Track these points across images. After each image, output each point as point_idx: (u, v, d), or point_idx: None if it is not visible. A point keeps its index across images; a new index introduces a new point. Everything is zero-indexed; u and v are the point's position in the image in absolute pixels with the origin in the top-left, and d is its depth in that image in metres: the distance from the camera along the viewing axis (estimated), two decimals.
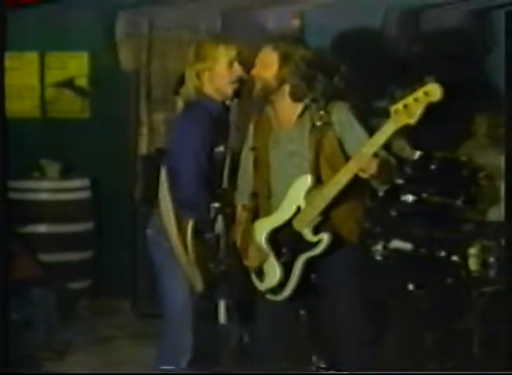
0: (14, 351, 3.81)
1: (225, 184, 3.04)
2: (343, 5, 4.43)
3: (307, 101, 3.05)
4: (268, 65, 3.05)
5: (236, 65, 3.19)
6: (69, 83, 5.20)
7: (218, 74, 3.20)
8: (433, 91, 2.71)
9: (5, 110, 3.12)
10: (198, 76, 3.21)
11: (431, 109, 2.75)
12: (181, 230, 3.14)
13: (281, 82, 3.04)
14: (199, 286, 3.18)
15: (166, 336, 3.32)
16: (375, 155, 2.86)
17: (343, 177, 2.90)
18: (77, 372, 3.87)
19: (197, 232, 3.13)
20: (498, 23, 4.34)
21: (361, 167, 2.85)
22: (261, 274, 3.11)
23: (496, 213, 3.82)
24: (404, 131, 2.83)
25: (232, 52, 3.21)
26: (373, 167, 2.85)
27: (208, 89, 3.21)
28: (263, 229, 3.11)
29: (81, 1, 4.88)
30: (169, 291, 3.26)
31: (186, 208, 3.14)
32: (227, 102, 3.06)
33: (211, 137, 3.11)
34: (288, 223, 3.04)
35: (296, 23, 4.66)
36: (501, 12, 3.07)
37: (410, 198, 3.89)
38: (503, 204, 3.81)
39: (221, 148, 3.06)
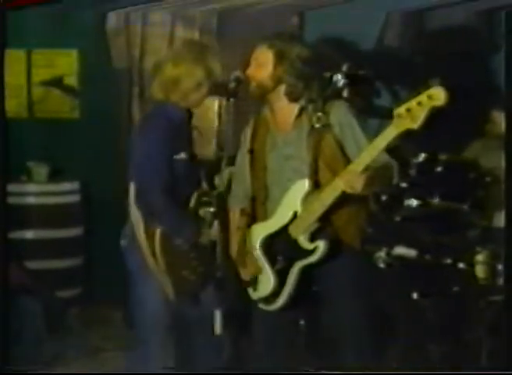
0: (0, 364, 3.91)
1: (221, 188, 3.11)
2: (345, 4, 4.46)
3: (303, 101, 3.09)
4: (263, 64, 3.08)
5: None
6: (57, 82, 5.25)
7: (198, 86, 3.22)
8: (437, 95, 2.73)
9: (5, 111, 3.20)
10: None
11: (437, 110, 2.77)
12: (149, 238, 3.19)
13: (277, 82, 3.08)
14: (170, 294, 3.24)
15: (135, 347, 3.40)
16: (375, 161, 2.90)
17: (341, 183, 2.92)
18: (77, 372, 3.90)
19: (167, 239, 3.19)
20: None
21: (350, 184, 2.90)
22: (254, 282, 3.15)
23: (504, 218, 3.83)
24: (407, 136, 2.84)
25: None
26: (359, 185, 2.88)
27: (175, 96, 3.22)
28: (258, 235, 3.15)
29: None
30: (141, 300, 3.32)
31: (150, 216, 3.18)
32: (229, 101, 3.09)
33: (171, 144, 3.15)
34: (284, 229, 3.08)
35: (295, 20, 4.69)
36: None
37: (414, 202, 3.86)
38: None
39: (182, 155, 3.12)
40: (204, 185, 3.29)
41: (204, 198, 3.19)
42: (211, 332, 3.12)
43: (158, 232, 3.17)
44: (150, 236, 3.18)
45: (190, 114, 3.28)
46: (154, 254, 3.19)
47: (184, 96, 3.20)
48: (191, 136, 3.27)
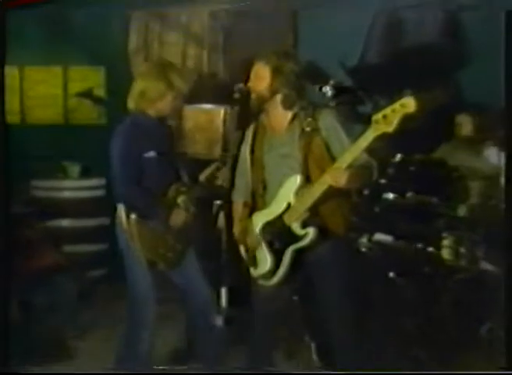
0: (40, 333, 3.96)
1: (225, 184, 3.25)
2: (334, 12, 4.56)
3: (296, 109, 3.21)
4: (261, 77, 3.19)
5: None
6: (88, 94, 5.36)
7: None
8: (408, 104, 2.84)
9: (6, 117, 3.26)
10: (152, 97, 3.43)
11: (411, 117, 2.86)
12: (128, 223, 3.40)
13: (273, 92, 3.19)
14: (147, 271, 3.39)
15: (128, 319, 3.56)
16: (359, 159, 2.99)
17: (328, 178, 3.02)
18: (77, 372, 3.83)
19: (142, 224, 3.37)
20: (475, 25, 4.46)
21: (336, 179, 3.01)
22: (254, 262, 3.28)
23: (466, 209, 3.97)
24: (384, 138, 2.94)
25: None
26: (344, 180, 2.97)
27: (143, 105, 3.46)
28: (258, 221, 3.27)
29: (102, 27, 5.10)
30: (131, 280, 3.49)
31: (127, 205, 3.40)
32: (233, 108, 3.21)
33: (139, 145, 3.39)
34: (279, 218, 3.18)
35: (290, 40, 4.77)
36: (501, 13, 3.10)
37: (391, 195, 4.00)
38: (473, 201, 3.98)
39: (151, 154, 3.35)
40: (185, 178, 3.50)
41: (182, 189, 3.39)
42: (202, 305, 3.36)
43: (132, 216, 3.38)
44: (129, 222, 3.39)
45: (163, 119, 3.50)
46: (132, 237, 3.40)
47: (151, 104, 3.44)
48: (163, 137, 3.48)
